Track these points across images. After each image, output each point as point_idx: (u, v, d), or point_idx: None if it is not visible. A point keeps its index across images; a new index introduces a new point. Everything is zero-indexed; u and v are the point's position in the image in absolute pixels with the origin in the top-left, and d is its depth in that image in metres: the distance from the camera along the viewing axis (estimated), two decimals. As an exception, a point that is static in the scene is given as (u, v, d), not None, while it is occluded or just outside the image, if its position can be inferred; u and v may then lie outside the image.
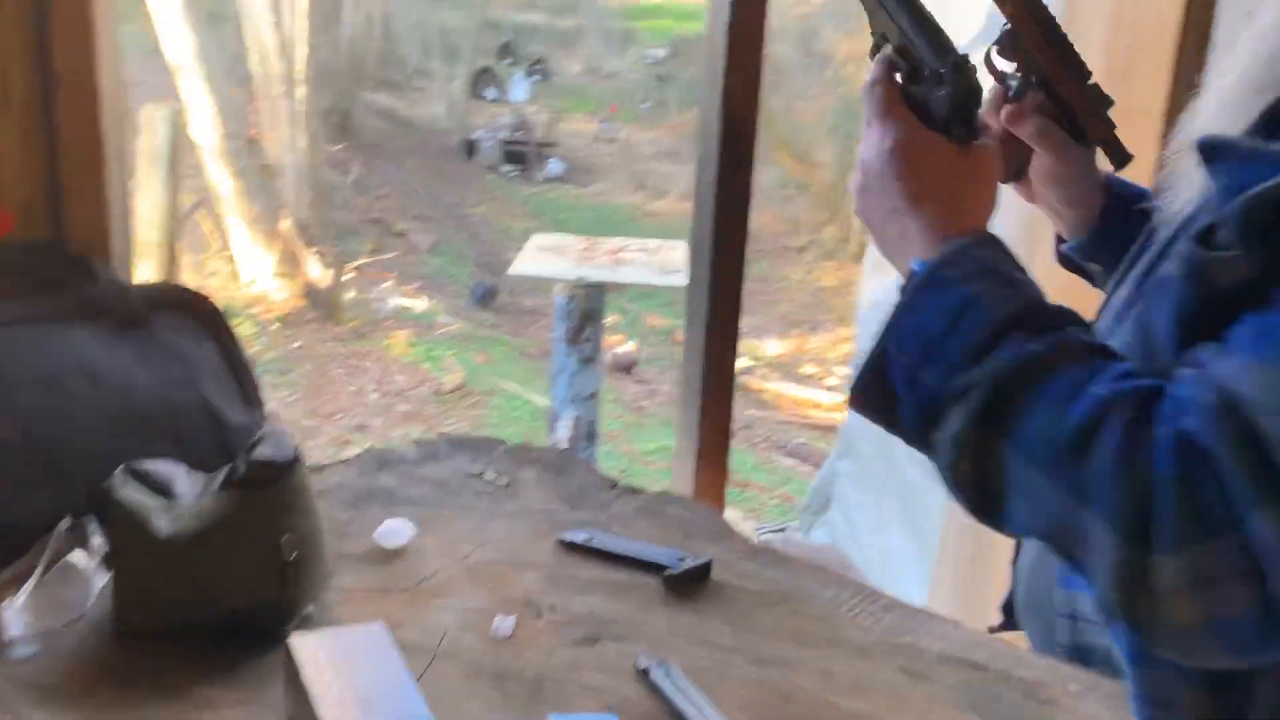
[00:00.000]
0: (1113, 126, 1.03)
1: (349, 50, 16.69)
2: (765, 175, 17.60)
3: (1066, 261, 1.14)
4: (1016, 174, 1.08)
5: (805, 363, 11.73)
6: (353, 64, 16.90)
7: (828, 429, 9.80)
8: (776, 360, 11.65)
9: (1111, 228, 1.04)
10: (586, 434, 4.62)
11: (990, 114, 1.05)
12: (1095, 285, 1.12)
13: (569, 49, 26.58)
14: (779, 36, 19.49)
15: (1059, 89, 1.01)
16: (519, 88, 20.95)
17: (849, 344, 12.50)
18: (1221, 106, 0.75)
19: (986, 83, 0.97)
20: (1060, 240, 1.14)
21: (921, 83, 0.84)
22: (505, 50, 24.23)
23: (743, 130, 1.46)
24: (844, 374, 11.46)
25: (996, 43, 1.04)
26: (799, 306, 13.53)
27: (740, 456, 7.86)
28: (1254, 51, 0.74)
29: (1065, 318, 0.73)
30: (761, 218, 16.74)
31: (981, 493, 0.70)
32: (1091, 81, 1.01)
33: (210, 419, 1.28)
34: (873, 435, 4.95)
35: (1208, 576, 0.57)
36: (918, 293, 0.75)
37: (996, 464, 0.67)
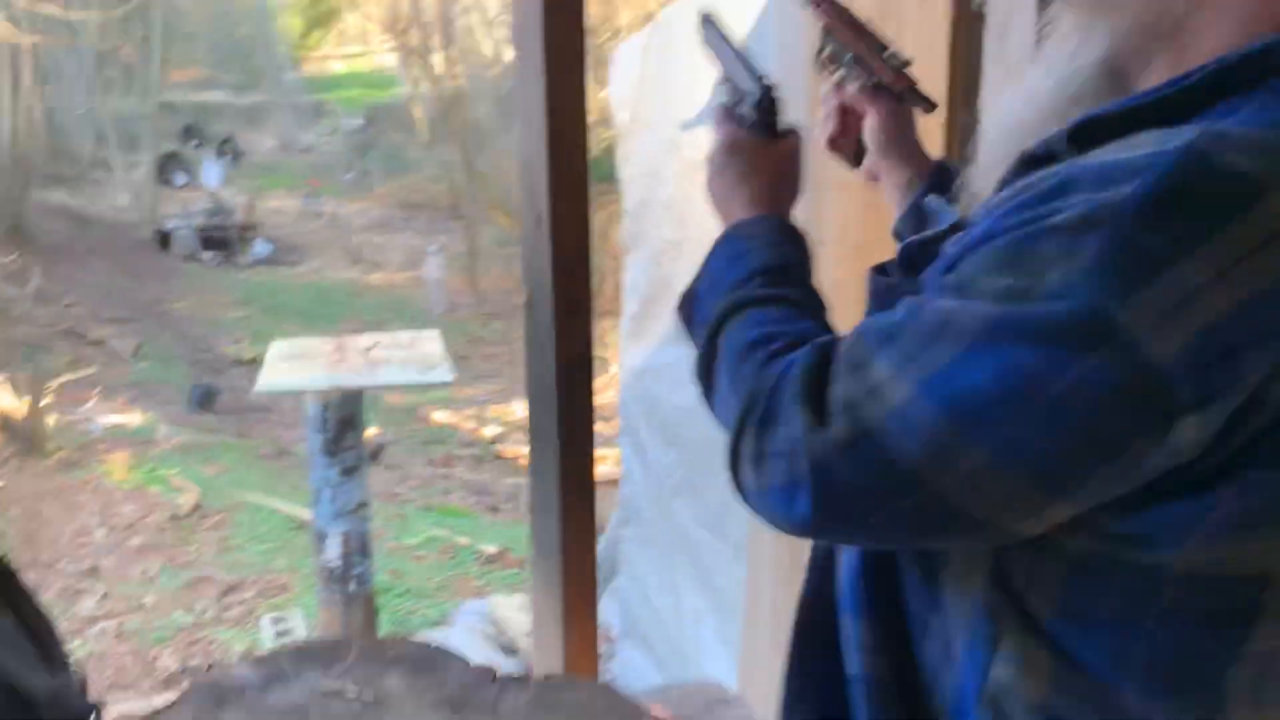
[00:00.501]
0: (912, 80, 1.22)
1: (11, 149, 15.22)
2: (484, 235, 17.50)
3: (898, 236, 1.26)
4: (857, 157, 1.27)
5: (553, 420, 11.66)
6: (17, 163, 15.42)
7: (601, 484, 9.77)
8: (527, 423, 11.49)
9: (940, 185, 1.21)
10: (359, 549, 4.31)
11: (829, 100, 1.27)
12: None
13: (257, 125, 25.50)
14: (477, 98, 19.53)
15: (864, 56, 1.23)
16: (211, 170, 19.84)
17: (602, 395, 12.55)
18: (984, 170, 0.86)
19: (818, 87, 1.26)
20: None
21: (741, 102, 1.12)
22: (189, 132, 22.93)
23: (576, 272, 1.33)
24: (602, 432, 11.45)
25: (818, 53, 1.30)
26: (538, 364, 13.46)
27: (509, 531, 7.66)
28: (1009, 111, 0.84)
29: (797, 274, 0.96)
30: (487, 279, 16.60)
31: (706, 386, 0.92)
32: (889, 51, 1.23)
33: (4, 691, 1.02)
34: (653, 498, 4.91)
35: (762, 452, 0.77)
36: (717, 245, 1.01)
37: (714, 363, 0.90)
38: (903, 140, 1.24)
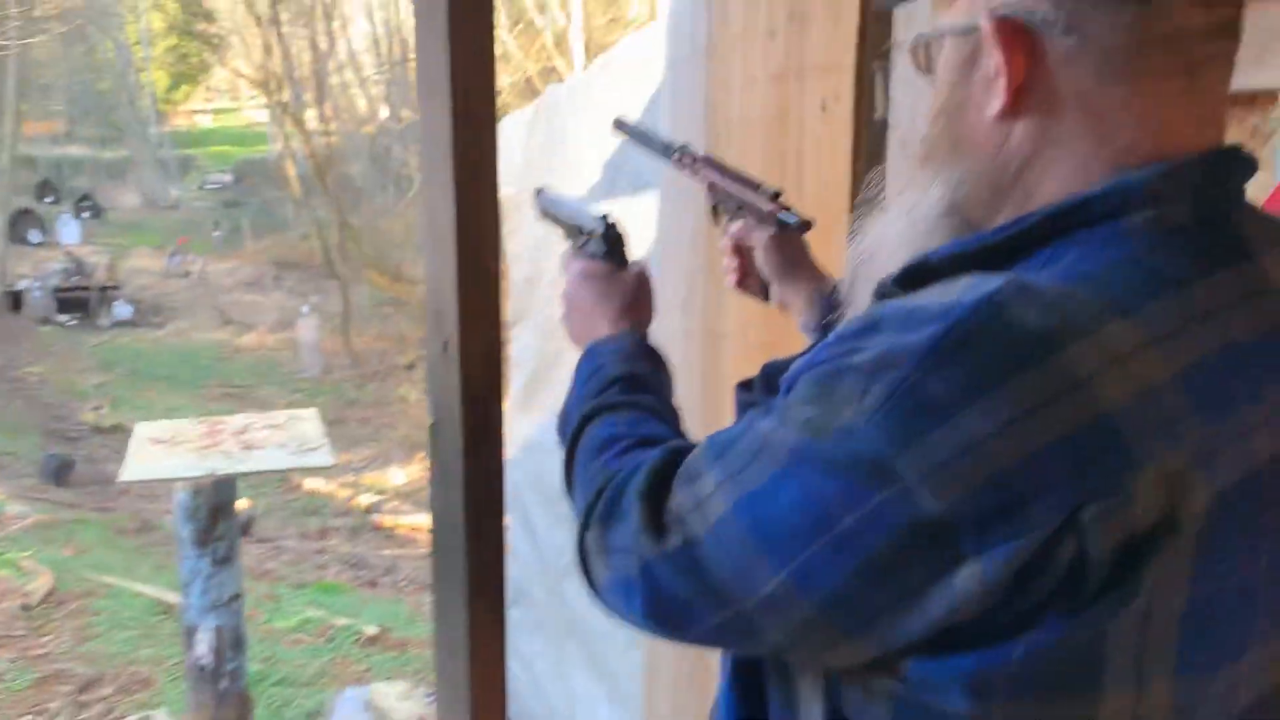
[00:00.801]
0: (784, 205, 1.32)
1: None
2: (359, 294, 17.15)
3: None
4: (765, 291, 1.36)
5: (433, 487, 11.36)
6: None
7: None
8: (404, 490, 11.19)
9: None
10: (232, 644, 4.05)
11: (725, 245, 1.39)
12: None
13: (120, 181, 24.62)
14: (351, 156, 19.24)
15: (740, 196, 1.36)
16: (68, 228, 19.01)
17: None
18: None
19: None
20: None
21: (589, 241, 1.22)
22: (45, 188, 21.98)
23: (487, 402, 1.24)
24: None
25: (711, 206, 1.42)
26: (418, 427, 13.14)
27: (389, 608, 7.38)
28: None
29: (654, 384, 1.03)
30: (363, 339, 16.25)
31: (568, 487, 0.94)
32: (761, 185, 1.35)
33: None
34: (542, 579, 4.78)
35: (605, 547, 0.81)
36: (578, 363, 1.07)
37: (572, 465, 0.94)
38: (794, 264, 1.31)
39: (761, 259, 1.33)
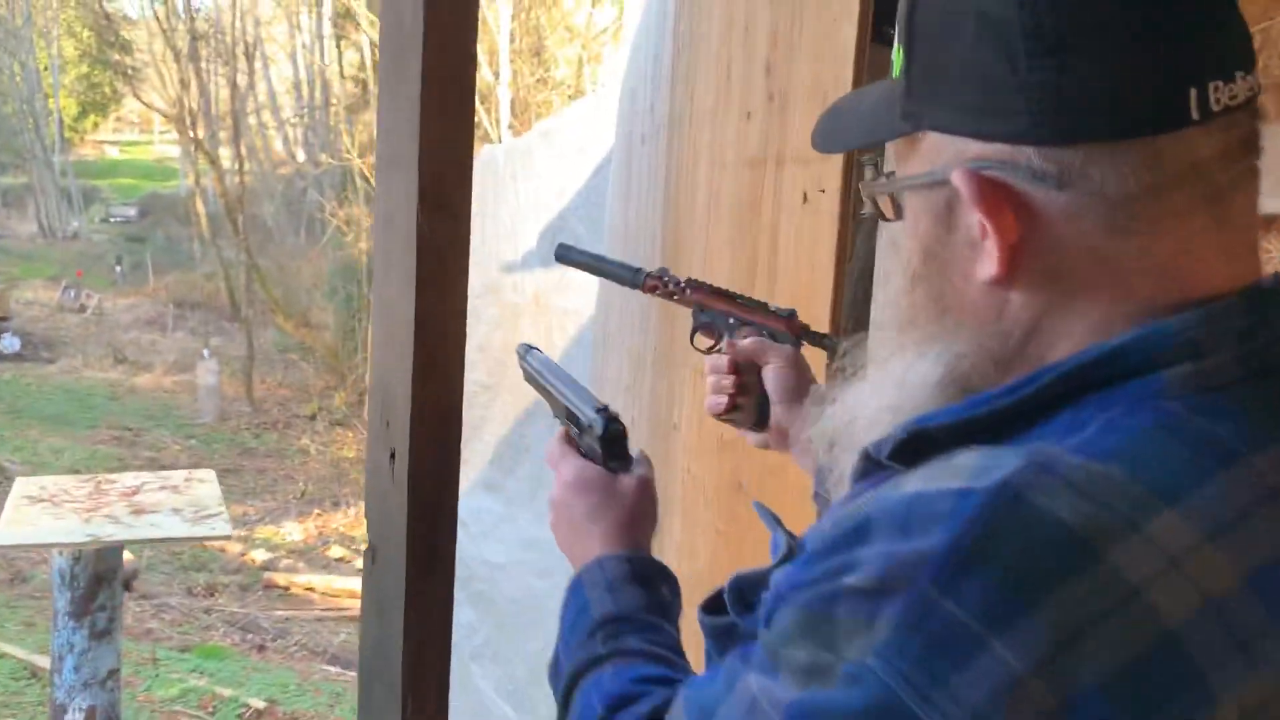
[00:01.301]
0: (805, 324, 1.23)
1: None
2: (264, 337, 16.64)
3: (821, 501, 1.20)
4: (760, 417, 1.20)
5: (331, 544, 10.91)
6: None
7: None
8: (300, 546, 10.73)
9: None
10: (107, 723, 3.72)
11: (723, 370, 1.22)
12: None
13: (16, 209, 23.73)
14: (264, 196, 18.81)
15: (748, 317, 1.25)
16: (-44, 255, 18.12)
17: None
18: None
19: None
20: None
21: (583, 434, 1.06)
22: (-66, 211, 20.99)
23: (439, 524, 1.06)
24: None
25: (693, 332, 1.29)
26: (317, 482, 12.69)
27: (280, 677, 6.98)
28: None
29: (640, 621, 0.89)
30: (265, 384, 15.74)
31: None
32: (772, 306, 1.25)
33: None
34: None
35: None
36: (566, 597, 0.94)
37: None
38: (804, 385, 1.19)
39: (773, 379, 1.19)
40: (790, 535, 0.75)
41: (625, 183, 2.52)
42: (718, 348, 1.28)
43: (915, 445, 0.62)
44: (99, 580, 3.57)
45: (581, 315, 3.48)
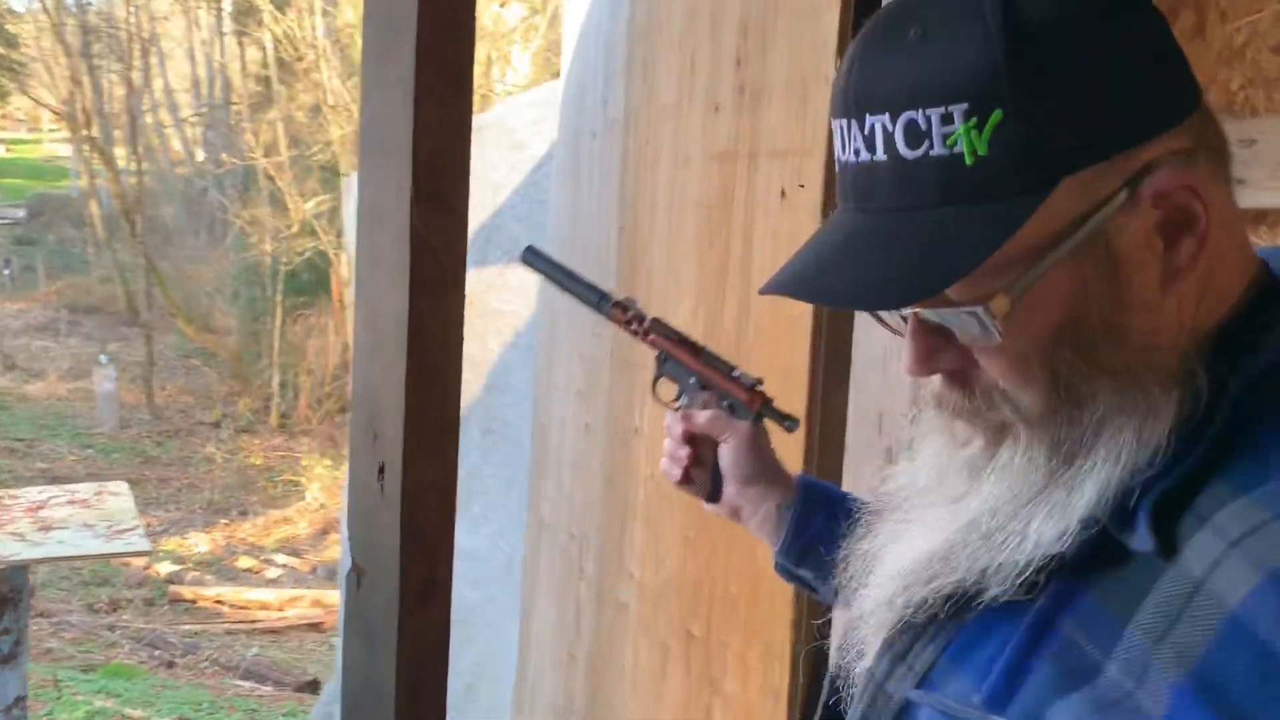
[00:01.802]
0: (768, 397, 1.17)
1: None
2: (164, 342, 16.08)
3: (784, 572, 1.17)
4: (715, 489, 1.16)
5: (240, 555, 10.57)
6: None
7: (280, 632, 8.83)
8: (207, 557, 10.37)
9: (808, 515, 1.12)
10: (13, 754, 3.49)
11: (674, 429, 1.16)
12: (815, 594, 1.16)
13: (-105, 209, 22.52)
14: (162, 197, 18.19)
15: (710, 379, 1.18)
16: None
17: (285, 527, 11.54)
18: None
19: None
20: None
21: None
22: None
23: (438, 549, 0.97)
24: (284, 563, 10.51)
25: (655, 379, 1.22)
26: (223, 490, 12.29)
27: (192, 695, 6.72)
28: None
29: None
30: (167, 390, 15.23)
31: None
32: (737, 370, 1.18)
33: None
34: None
35: None
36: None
37: None
38: (764, 463, 1.15)
39: (728, 459, 1.14)
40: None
41: (572, 181, 2.44)
42: (678, 404, 1.22)
43: (1164, 510, 0.59)
44: (3, 602, 3.36)
45: (519, 317, 3.38)
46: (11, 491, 3.86)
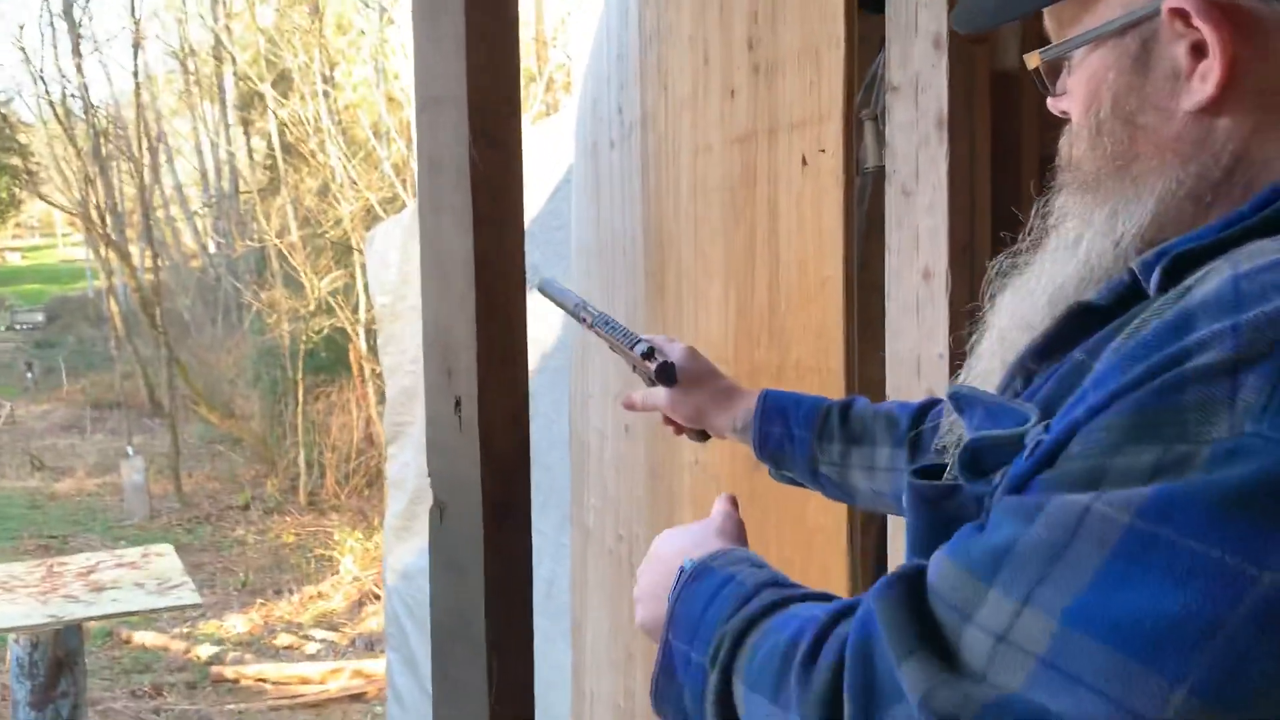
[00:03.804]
0: (654, 361, 1.22)
1: None
2: (189, 431, 16.19)
3: (776, 476, 1.27)
4: (703, 435, 1.28)
5: (278, 633, 10.55)
6: None
7: (323, 705, 8.79)
8: (246, 638, 10.36)
9: (766, 425, 1.20)
10: (78, 819, 3.51)
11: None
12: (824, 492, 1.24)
13: (-83, 322, 22.88)
14: (177, 290, 18.45)
15: (622, 356, 1.25)
16: None
17: (320, 602, 11.54)
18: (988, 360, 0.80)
19: None
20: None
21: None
22: None
23: (514, 475, 1.02)
24: (323, 638, 10.49)
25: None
26: (257, 571, 12.30)
27: (244, 769, 6.69)
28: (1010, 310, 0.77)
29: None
30: (194, 478, 15.30)
31: None
32: (635, 340, 1.25)
33: None
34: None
35: None
36: (687, 584, 0.80)
37: (734, 704, 0.70)
38: (709, 401, 1.23)
39: (674, 416, 1.25)
40: (1026, 385, 0.70)
41: (593, 192, 2.51)
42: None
43: (1180, 269, 0.60)
44: (59, 665, 3.39)
45: (543, 344, 3.45)
46: (60, 559, 3.91)
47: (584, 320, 1.28)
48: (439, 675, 1.09)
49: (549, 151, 3.25)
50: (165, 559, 3.87)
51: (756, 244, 1.82)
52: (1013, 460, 0.63)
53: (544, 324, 3.42)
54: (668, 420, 1.28)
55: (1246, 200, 0.63)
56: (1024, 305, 0.75)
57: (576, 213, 2.68)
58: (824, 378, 1.67)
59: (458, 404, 1.01)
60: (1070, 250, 0.72)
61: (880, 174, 1.58)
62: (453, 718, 1.07)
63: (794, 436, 1.22)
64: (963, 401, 0.74)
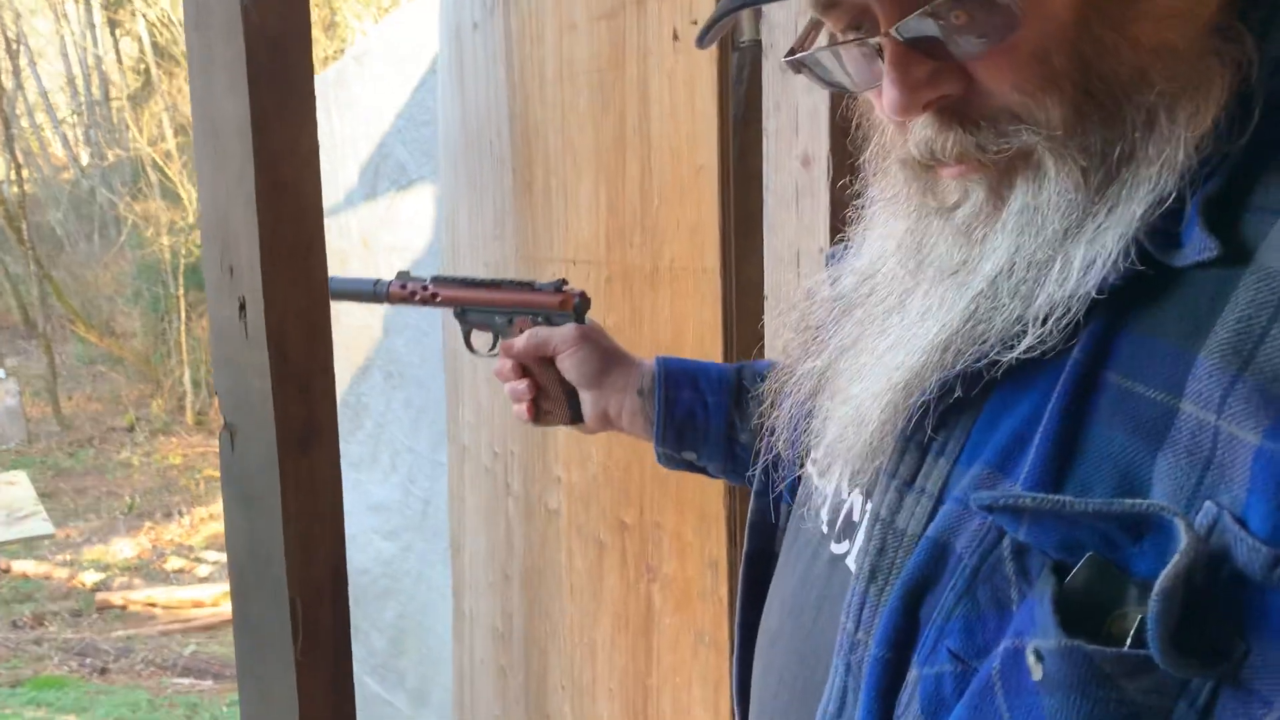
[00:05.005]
0: (576, 293, 1.17)
1: None
2: (66, 352, 15.51)
3: (668, 461, 1.14)
4: (575, 412, 1.15)
5: (168, 557, 10.25)
6: None
7: (216, 627, 8.58)
8: (134, 563, 10.04)
9: (673, 390, 1.09)
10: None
11: (511, 376, 1.15)
12: (708, 475, 1.14)
13: None
14: (48, 203, 17.48)
15: (515, 303, 1.18)
16: None
17: (212, 524, 11.23)
18: None
19: None
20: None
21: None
22: None
23: (312, 385, 0.85)
24: (215, 560, 10.22)
25: (466, 336, 1.23)
26: (144, 494, 11.91)
27: (128, 697, 6.48)
28: None
29: None
30: (74, 400, 14.72)
31: None
32: (538, 284, 1.19)
33: None
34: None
35: None
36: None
37: None
38: (608, 353, 1.13)
39: (569, 367, 1.12)
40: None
41: (458, 79, 2.30)
42: (494, 350, 1.20)
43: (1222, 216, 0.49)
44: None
45: (412, 249, 3.24)
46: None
47: (400, 292, 1.20)
48: (239, 622, 0.94)
49: (414, 36, 3.00)
50: (17, 488, 3.60)
51: (627, 132, 1.65)
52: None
53: (412, 229, 3.20)
54: (534, 389, 1.14)
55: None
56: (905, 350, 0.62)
57: (442, 99, 2.47)
58: (698, 279, 1.53)
59: (242, 307, 0.84)
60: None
61: (758, 48, 1.42)
62: (255, 670, 0.92)
63: (708, 404, 1.09)
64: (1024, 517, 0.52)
